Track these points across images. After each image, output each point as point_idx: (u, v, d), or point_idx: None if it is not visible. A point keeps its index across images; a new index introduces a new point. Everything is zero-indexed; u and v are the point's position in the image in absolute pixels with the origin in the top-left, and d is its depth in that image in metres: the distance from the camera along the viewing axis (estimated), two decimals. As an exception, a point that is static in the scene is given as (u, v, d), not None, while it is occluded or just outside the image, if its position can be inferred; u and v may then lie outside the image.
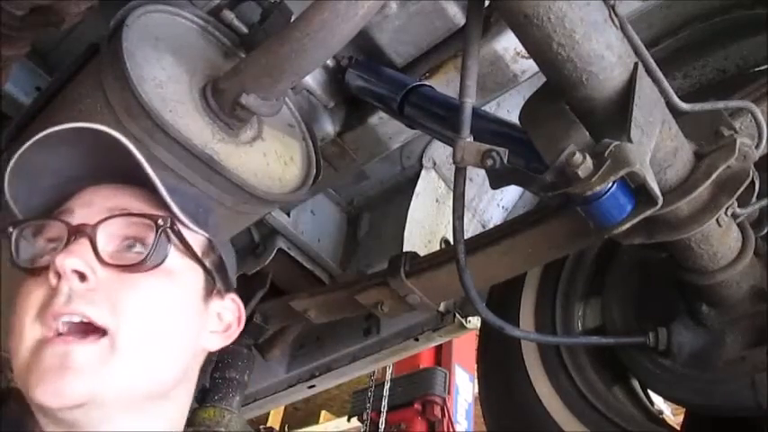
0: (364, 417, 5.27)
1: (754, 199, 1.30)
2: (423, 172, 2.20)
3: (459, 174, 1.23)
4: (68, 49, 2.03)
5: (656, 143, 1.12)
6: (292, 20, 1.59)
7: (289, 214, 2.14)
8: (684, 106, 1.17)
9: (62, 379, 0.78)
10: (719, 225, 1.29)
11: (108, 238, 0.87)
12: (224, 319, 0.99)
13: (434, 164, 2.23)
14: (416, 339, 2.18)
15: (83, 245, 0.85)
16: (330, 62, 1.84)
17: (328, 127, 1.95)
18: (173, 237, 0.90)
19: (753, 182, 1.25)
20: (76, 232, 0.86)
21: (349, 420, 5.79)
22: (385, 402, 5.20)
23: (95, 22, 1.62)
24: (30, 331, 0.82)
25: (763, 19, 1.69)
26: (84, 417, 0.82)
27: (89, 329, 0.82)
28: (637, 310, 1.62)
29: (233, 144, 1.52)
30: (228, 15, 1.67)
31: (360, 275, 2.08)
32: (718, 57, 1.83)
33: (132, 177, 0.91)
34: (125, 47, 1.41)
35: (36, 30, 1.53)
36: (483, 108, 1.78)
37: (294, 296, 2.01)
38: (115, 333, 0.82)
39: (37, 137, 0.89)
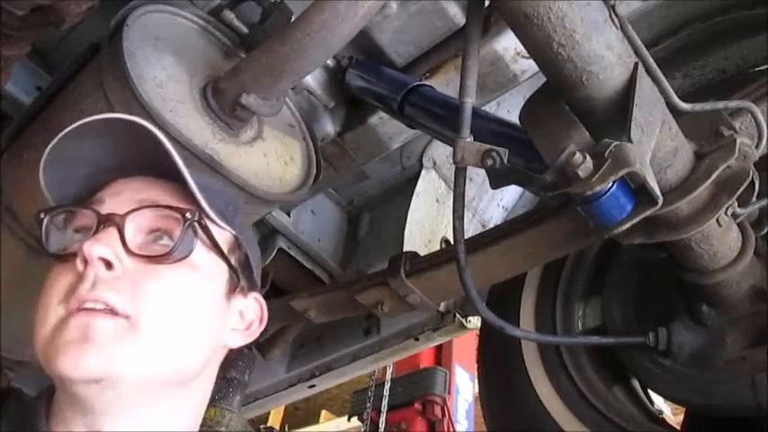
0: (364, 416, 5.27)
1: (754, 199, 1.30)
2: (423, 172, 2.20)
3: (459, 174, 1.23)
4: (68, 49, 2.03)
5: (656, 143, 1.12)
6: (292, 20, 1.59)
7: (289, 214, 2.15)
8: (684, 106, 1.17)
9: (82, 351, 0.80)
10: (719, 225, 1.29)
11: (136, 228, 0.89)
12: (246, 317, 1.00)
13: (434, 164, 2.23)
14: (416, 339, 2.18)
15: (111, 234, 0.86)
16: (330, 62, 1.84)
17: (328, 127, 1.95)
18: (200, 231, 0.91)
19: (753, 182, 1.25)
20: (105, 221, 0.87)
21: (349, 420, 5.79)
22: (385, 402, 5.19)
23: (95, 22, 1.63)
24: (53, 313, 0.83)
25: (763, 19, 1.69)
26: (101, 396, 0.83)
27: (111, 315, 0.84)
28: (637, 310, 1.62)
29: (233, 144, 1.52)
30: (229, 15, 1.67)
31: (360, 275, 2.08)
32: (718, 57, 1.83)
33: (164, 171, 0.92)
34: (125, 47, 1.42)
35: (36, 30, 1.54)
36: (483, 108, 1.78)
37: (294, 296, 2.00)
38: (136, 319, 0.83)
39: (72, 126, 0.90)
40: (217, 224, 0.94)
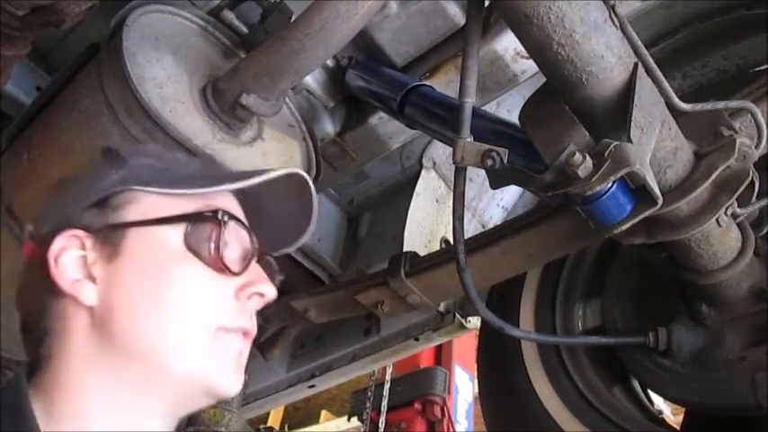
0: (364, 416, 5.27)
1: (753, 199, 1.30)
2: (423, 172, 2.20)
3: (459, 174, 1.23)
4: (68, 49, 2.04)
5: (655, 143, 1.12)
6: (292, 20, 1.59)
7: (289, 214, 2.14)
8: (684, 106, 1.17)
9: (239, 375, 0.91)
10: (719, 225, 1.29)
11: None
12: None
13: (434, 164, 2.23)
14: (416, 339, 2.18)
15: (265, 273, 0.96)
16: (330, 62, 1.84)
17: (328, 127, 1.95)
18: None
19: (752, 182, 1.25)
20: (260, 258, 0.96)
21: (349, 420, 5.78)
22: (385, 402, 5.19)
23: (95, 22, 1.63)
24: (207, 323, 0.89)
25: (763, 19, 1.69)
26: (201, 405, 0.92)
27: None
28: (637, 310, 1.62)
29: (233, 144, 1.52)
30: (228, 15, 1.67)
31: (360, 275, 2.08)
32: (718, 57, 1.83)
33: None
34: (125, 47, 1.42)
35: (36, 30, 1.54)
36: (483, 108, 1.78)
37: (294, 296, 2.00)
38: None
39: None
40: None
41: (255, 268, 0.95)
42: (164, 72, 1.48)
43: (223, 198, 0.96)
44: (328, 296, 1.94)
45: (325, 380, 2.41)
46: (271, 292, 0.94)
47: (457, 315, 2.10)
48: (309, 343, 2.44)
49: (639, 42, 1.12)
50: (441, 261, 1.69)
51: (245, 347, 0.92)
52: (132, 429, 0.86)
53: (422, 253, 1.85)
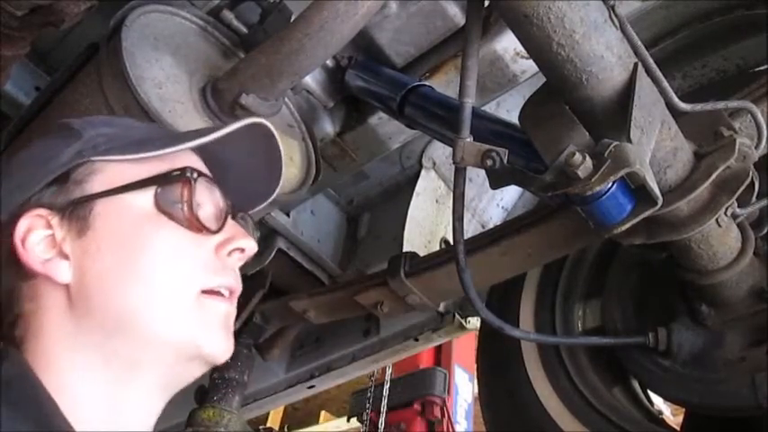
0: (364, 417, 5.27)
1: (753, 199, 1.30)
2: (423, 172, 2.20)
3: (459, 174, 1.23)
4: (68, 49, 2.04)
5: (655, 143, 1.12)
6: (292, 20, 1.59)
7: (288, 214, 2.14)
8: (684, 106, 1.17)
9: (228, 337, 0.90)
10: (719, 225, 1.29)
11: None
12: None
13: (434, 164, 2.23)
14: (416, 339, 2.18)
15: (245, 231, 0.95)
16: (330, 62, 1.84)
17: (328, 127, 1.94)
18: None
19: (752, 182, 1.25)
20: (235, 216, 0.96)
21: (349, 420, 5.78)
22: (385, 402, 5.19)
23: (95, 22, 1.63)
24: (190, 285, 0.87)
25: (763, 19, 1.69)
26: (198, 373, 0.91)
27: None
28: (637, 311, 1.62)
29: (232, 144, 1.51)
30: (228, 15, 1.67)
31: (360, 275, 2.08)
32: (717, 57, 1.83)
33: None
34: (125, 47, 1.41)
35: (36, 30, 1.54)
36: (483, 108, 1.78)
37: (294, 296, 2.00)
38: None
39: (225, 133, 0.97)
40: None
41: (232, 225, 0.94)
42: (163, 72, 1.48)
43: (187, 158, 0.95)
44: (328, 297, 1.94)
45: (325, 380, 2.41)
46: (251, 245, 0.93)
47: (457, 315, 2.10)
48: (309, 343, 2.44)
49: (639, 42, 1.12)
50: (440, 261, 1.69)
51: (230, 309, 0.91)
52: (129, 404, 0.85)
53: (422, 253, 1.85)
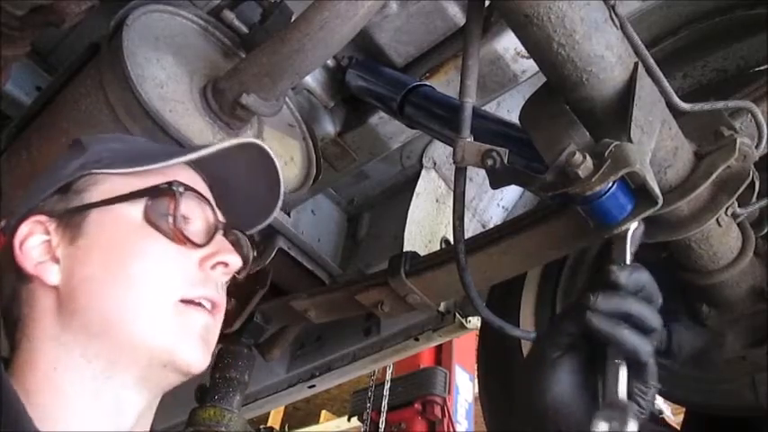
0: (364, 416, 5.27)
1: (754, 199, 1.30)
2: (423, 172, 2.20)
3: (459, 174, 1.23)
4: (68, 49, 2.04)
5: (656, 143, 1.12)
6: (293, 20, 1.59)
7: (289, 214, 2.14)
8: (684, 106, 1.17)
9: (207, 349, 0.91)
10: (719, 225, 1.29)
11: None
12: None
13: (434, 164, 2.23)
14: (416, 339, 2.18)
15: (231, 246, 0.97)
16: (330, 62, 1.84)
17: (328, 127, 1.95)
18: None
19: (753, 182, 1.24)
20: (226, 232, 0.97)
21: (349, 420, 5.78)
22: (385, 402, 5.19)
23: (95, 22, 1.63)
24: (169, 295, 0.89)
25: (763, 19, 1.69)
26: (176, 382, 0.91)
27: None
28: (637, 310, 1.62)
29: (233, 144, 1.51)
30: (229, 15, 1.67)
31: (360, 275, 2.08)
32: (718, 57, 1.83)
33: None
34: (125, 46, 1.42)
35: (36, 30, 1.54)
36: (483, 108, 1.78)
37: (294, 296, 2.00)
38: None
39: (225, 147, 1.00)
40: None
41: (220, 240, 0.96)
42: (164, 72, 1.48)
43: (183, 173, 0.98)
44: (328, 296, 1.94)
45: (326, 380, 2.41)
46: (234, 261, 0.95)
47: (457, 315, 2.10)
48: (309, 343, 2.44)
49: (640, 42, 1.12)
50: (441, 261, 1.69)
51: (211, 322, 0.92)
52: (115, 400, 0.87)
53: (422, 253, 1.85)
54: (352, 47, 1.80)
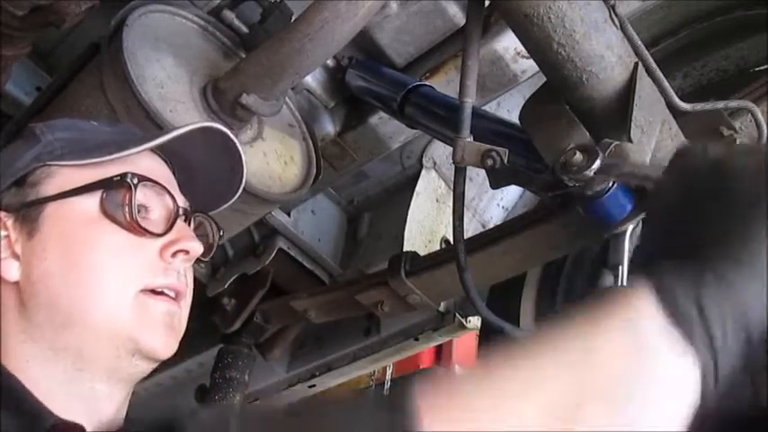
0: (364, 416, 5.26)
1: (753, 199, 1.30)
2: (423, 172, 2.20)
3: (459, 174, 1.23)
4: (68, 49, 2.03)
5: (656, 143, 1.12)
6: (293, 20, 1.59)
7: (289, 214, 2.14)
8: (684, 106, 1.17)
9: (171, 337, 0.91)
10: (719, 225, 1.29)
11: None
12: None
13: (434, 164, 2.23)
14: (416, 339, 2.18)
15: (192, 231, 0.96)
16: (330, 62, 1.84)
17: (328, 127, 1.95)
18: None
19: (753, 182, 1.24)
20: (186, 217, 0.96)
21: (349, 420, 5.78)
22: (385, 402, 5.18)
23: (95, 22, 1.63)
24: (131, 284, 0.89)
25: (763, 19, 1.69)
26: (146, 370, 0.91)
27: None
28: (637, 310, 1.62)
29: (233, 144, 1.51)
30: (229, 15, 1.67)
31: (360, 275, 2.08)
32: (718, 57, 1.83)
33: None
34: (126, 47, 1.42)
35: (36, 30, 1.54)
36: (483, 108, 1.78)
37: (294, 296, 2.01)
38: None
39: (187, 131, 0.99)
40: None
41: (181, 227, 0.95)
42: (164, 72, 1.48)
43: (144, 161, 0.97)
44: (328, 296, 1.94)
45: (325, 380, 2.41)
46: (195, 247, 0.93)
47: (457, 315, 2.09)
48: (309, 343, 2.43)
49: (640, 42, 1.13)
50: (441, 261, 1.69)
51: (175, 308, 0.92)
52: (89, 392, 0.88)
53: (422, 253, 1.85)
54: (352, 47, 1.80)
